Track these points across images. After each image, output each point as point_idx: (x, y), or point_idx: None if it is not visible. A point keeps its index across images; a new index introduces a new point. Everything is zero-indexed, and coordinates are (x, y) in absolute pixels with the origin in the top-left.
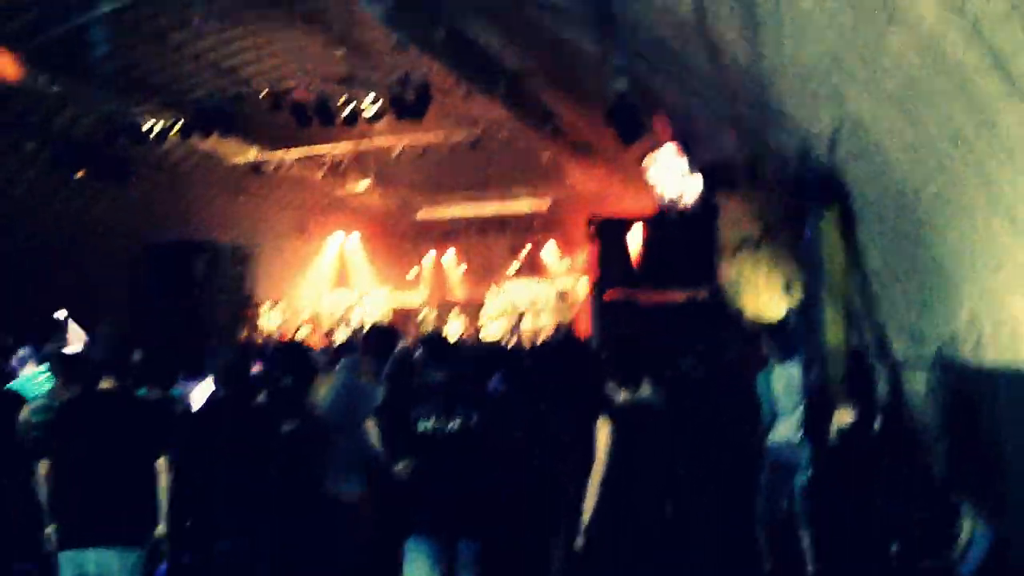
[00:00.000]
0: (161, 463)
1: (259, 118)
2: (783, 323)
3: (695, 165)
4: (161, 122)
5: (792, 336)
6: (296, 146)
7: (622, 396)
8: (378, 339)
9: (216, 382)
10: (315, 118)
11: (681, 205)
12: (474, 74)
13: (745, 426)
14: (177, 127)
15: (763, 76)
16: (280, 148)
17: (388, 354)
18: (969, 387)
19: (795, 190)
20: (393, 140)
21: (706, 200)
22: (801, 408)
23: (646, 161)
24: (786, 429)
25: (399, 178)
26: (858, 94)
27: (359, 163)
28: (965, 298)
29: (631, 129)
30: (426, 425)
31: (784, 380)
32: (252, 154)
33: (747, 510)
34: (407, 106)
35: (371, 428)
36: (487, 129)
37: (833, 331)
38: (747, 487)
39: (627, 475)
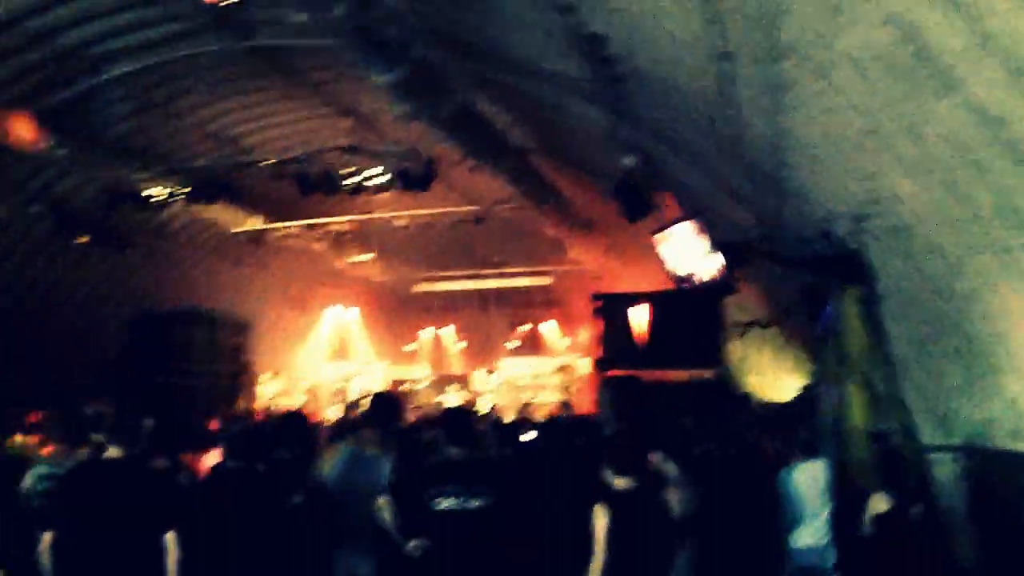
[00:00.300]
0: (170, 538)
1: (261, 187)
2: (798, 411)
3: (714, 247)
4: (163, 189)
5: (814, 430)
6: (298, 217)
7: (619, 483)
8: (382, 408)
9: (226, 453)
10: (319, 187)
11: (697, 281)
12: (481, 149)
13: (765, 523)
14: (180, 195)
15: (785, 151)
16: (282, 218)
17: (392, 423)
18: (1002, 473)
19: (815, 269)
20: (397, 214)
21: (725, 278)
22: (828, 510)
23: (658, 238)
24: (811, 533)
25: (400, 252)
26: (895, 168)
27: (361, 236)
28: (1005, 383)
29: (637, 206)
30: (445, 503)
31: (809, 479)
32: (254, 223)
33: None
34: (413, 178)
35: (384, 505)
36: (491, 205)
37: (856, 413)
38: None
39: (628, 568)
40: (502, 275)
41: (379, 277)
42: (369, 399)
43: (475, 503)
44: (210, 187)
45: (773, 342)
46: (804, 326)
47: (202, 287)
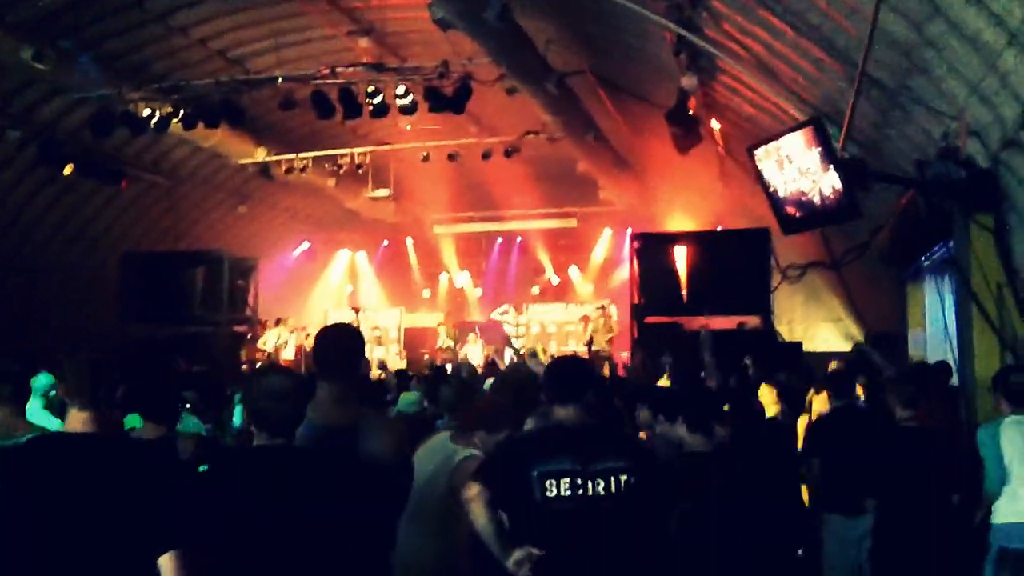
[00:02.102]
0: (166, 561)
1: (270, 115)
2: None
3: (828, 157)
4: (159, 112)
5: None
6: (309, 150)
7: (693, 440)
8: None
9: (260, 424)
10: (339, 109)
11: (811, 204)
12: (520, 68)
13: (950, 497)
14: (177, 118)
15: (912, 47)
16: (292, 150)
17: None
18: None
19: (935, 192)
20: (418, 144)
21: (846, 200)
22: None
23: (759, 153)
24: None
25: (418, 190)
26: None
27: (377, 170)
28: None
29: (691, 133)
30: (557, 490)
31: (1017, 437)
32: (261, 155)
33: None
34: (444, 98)
35: (474, 497)
36: (523, 135)
37: (985, 362)
38: None
39: None
40: (527, 216)
41: (393, 218)
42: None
43: (599, 488)
44: (212, 110)
45: (826, 288)
46: (877, 268)
47: (204, 226)
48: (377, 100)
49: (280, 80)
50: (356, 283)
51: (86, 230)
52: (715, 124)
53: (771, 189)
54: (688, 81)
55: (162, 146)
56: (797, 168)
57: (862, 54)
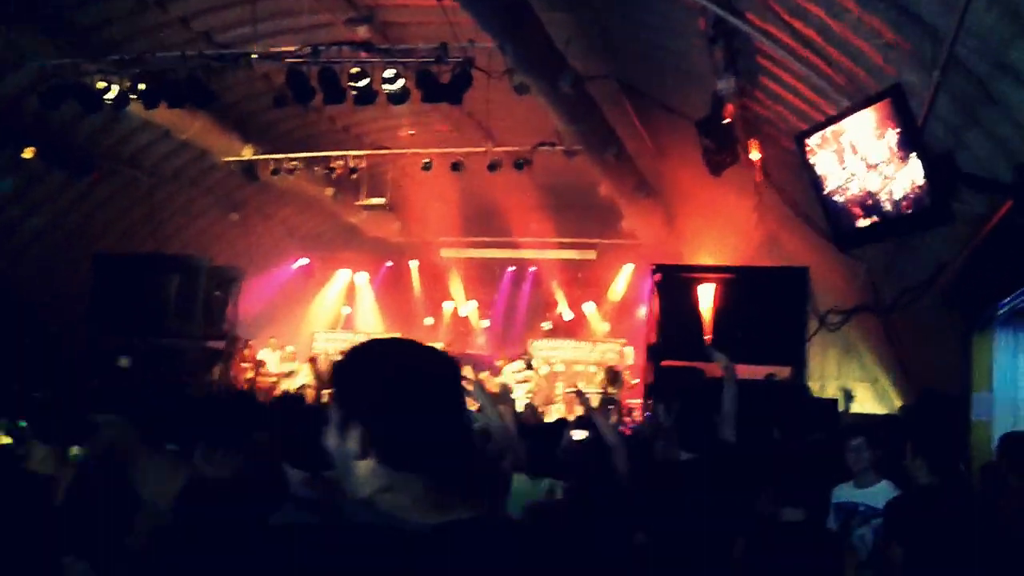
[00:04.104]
0: None
1: (263, 113)
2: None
3: (910, 141)
4: (118, 86)
5: None
6: (300, 150)
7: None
8: None
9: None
10: (318, 91)
11: (883, 207)
12: (533, 61)
13: None
14: (134, 95)
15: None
16: (279, 150)
17: None
18: None
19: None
20: (420, 151)
21: (933, 200)
22: None
23: (812, 142)
24: None
25: (422, 207)
26: None
27: (374, 177)
28: None
29: (726, 150)
30: None
31: None
32: (248, 153)
33: None
34: (439, 86)
35: None
36: (536, 146)
37: None
38: None
39: None
40: (542, 245)
41: (397, 238)
42: None
43: None
44: (175, 88)
45: (865, 343)
46: (934, 317)
47: (192, 232)
48: (362, 84)
49: (254, 57)
50: (354, 305)
51: (57, 227)
52: (754, 154)
53: (826, 191)
54: (725, 84)
55: (141, 139)
56: (864, 159)
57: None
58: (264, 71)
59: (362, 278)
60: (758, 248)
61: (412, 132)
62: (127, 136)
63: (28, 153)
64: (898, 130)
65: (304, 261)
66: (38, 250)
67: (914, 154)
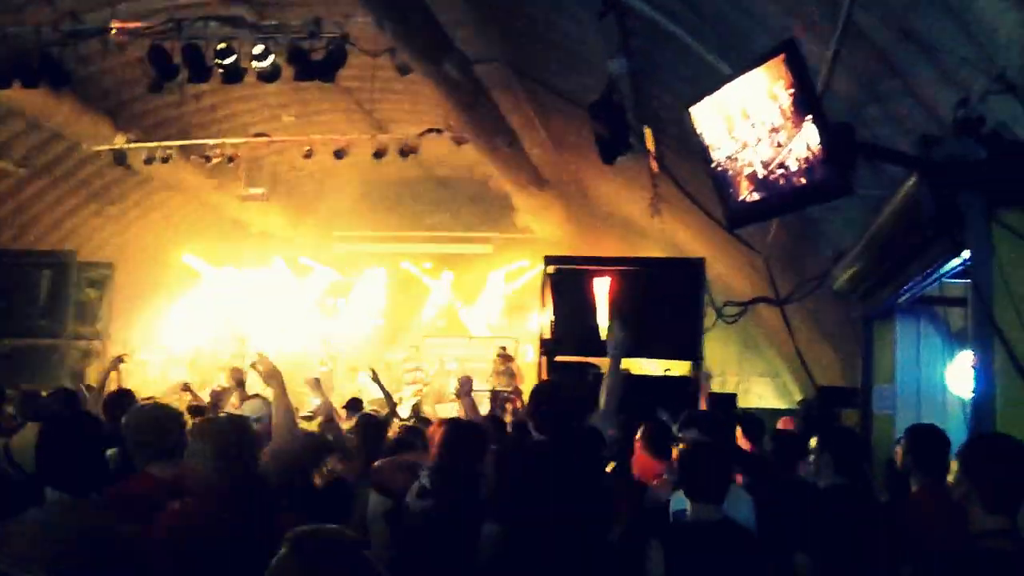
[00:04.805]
0: None
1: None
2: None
3: (806, 101)
4: None
5: None
6: (177, 138)
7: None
8: None
9: None
10: (184, 69)
11: (774, 179)
12: (415, 40)
13: None
14: None
15: None
16: (154, 138)
17: None
18: None
19: (943, 177)
20: (298, 139)
21: (829, 173)
22: None
23: (697, 109)
24: None
25: (310, 199)
26: None
27: (254, 166)
28: None
29: (618, 135)
30: None
31: None
32: (120, 142)
33: None
34: (311, 63)
35: None
36: (423, 133)
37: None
38: None
39: None
40: (438, 239)
41: (285, 233)
42: None
43: None
44: (28, 66)
45: (765, 338)
46: (833, 310)
47: (67, 228)
48: (229, 61)
49: (112, 32)
50: (240, 306)
51: None
52: (650, 142)
53: (714, 163)
54: (617, 64)
55: (9, 129)
56: (755, 126)
57: None
58: (138, 56)
59: (251, 275)
60: (655, 241)
61: (293, 117)
62: None
63: None
64: (791, 91)
65: (187, 257)
66: None
67: (809, 117)
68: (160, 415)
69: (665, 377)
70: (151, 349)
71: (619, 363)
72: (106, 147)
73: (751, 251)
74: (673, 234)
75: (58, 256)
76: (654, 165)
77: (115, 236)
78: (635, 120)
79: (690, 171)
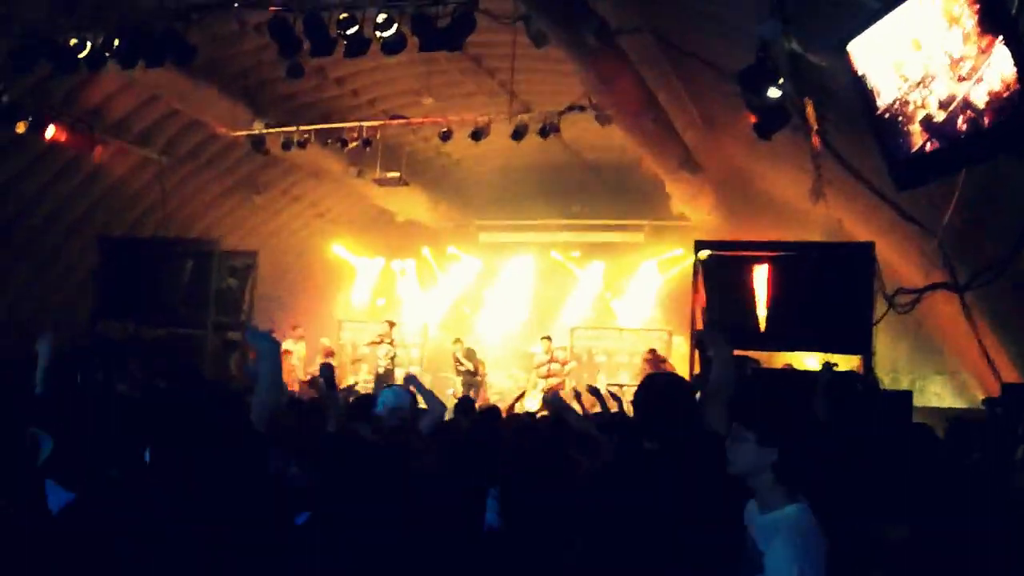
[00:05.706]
0: None
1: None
2: None
3: (996, 21)
4: (92, 43)
5: None
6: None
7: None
8: None
9: None
10: (306, 42)
11: (965, 127)
12: (550, 5)
13: None
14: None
15: None
16: (290, 123)
17: None
18: None
19: None
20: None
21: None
22: None
23: (858, 47)
24: None
25: (455, 188)
26: None
27: (388, 151)
28: None
29: (774, 109)
30: None
31: None
32: (259, 127)
33: None
34: (436, 31)
35: None
36: (564, 111)
37: None
38: None
39: None
40: (588, 228)
41: (432, 223)
42: None
43: None
44: (151, 44)
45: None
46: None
47: (212, 217)
48: (351, 32)
49: (235, 6)
50: (389, 295)
51: (63, 212)
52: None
53: (879, 110)
54: (769, 27)
55: (149, 115)
56: (931, 58)
57: None
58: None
59: (397, 266)
60: (813, 226)
61: (431, 100)
62: (137, 110)
63: (21, 128)
64: (977, 6)
65: (335, 246)
66: (43, 239)
67: (1001, 39)
68: None
69: (829, 371)
70: (294, 339)
71: (729, 356)
72: (243, 133)
73: (923, 232)
74: (832, 217)
75: (202, 244)
76: (816, 141)
77: (261, 225)
78: (792, 88)
79: (858, 146)
